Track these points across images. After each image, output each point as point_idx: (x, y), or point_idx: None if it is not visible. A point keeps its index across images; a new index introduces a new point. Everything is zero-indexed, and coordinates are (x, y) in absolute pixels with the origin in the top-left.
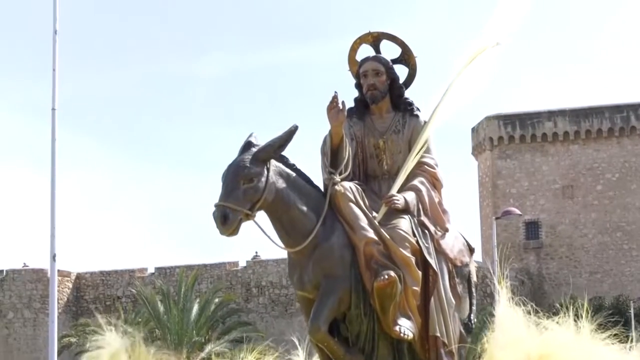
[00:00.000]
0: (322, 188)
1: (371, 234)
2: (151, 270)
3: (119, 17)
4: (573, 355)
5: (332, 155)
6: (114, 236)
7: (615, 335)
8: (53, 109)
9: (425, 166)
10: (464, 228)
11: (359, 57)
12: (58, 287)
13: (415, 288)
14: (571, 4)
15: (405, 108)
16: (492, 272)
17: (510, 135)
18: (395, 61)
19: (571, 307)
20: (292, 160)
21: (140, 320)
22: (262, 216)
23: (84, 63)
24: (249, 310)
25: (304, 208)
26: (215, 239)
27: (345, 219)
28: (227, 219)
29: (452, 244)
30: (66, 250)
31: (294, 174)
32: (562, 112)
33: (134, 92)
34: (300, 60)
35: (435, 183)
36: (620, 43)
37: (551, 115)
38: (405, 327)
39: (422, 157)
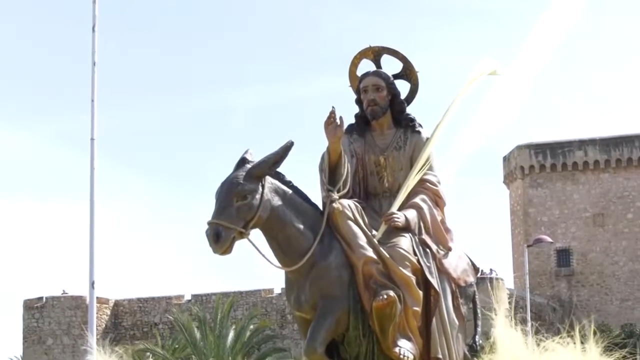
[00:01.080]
0: (320, 206)
1: (370, 252)
2: (188, 297)
3: (159, 51)
4: None
5: (330, 172)
6: (152, 264)
7: (624, 357)
8: (92, 139)
9: (428, 183)
10: (495, 255)
11: (360, 72)
12: (97, 313)
13: (415, 308)
14: (601, 34)
15: (406, 124)
16: (524, 298)
17: (542, 164)
18: (396, 76)
19: (591, 331)
20: (288, 178)
21: (177, 346)
22: (258, 235)
23: (123, 94)
24: (284, 337)
25: (301, 226)
26: (250, 266)
27: (344, 237)
28: (220, 237)
29: (455, 263)
30: (105, 277)
31: (290, 191)
32: (592, 141)
33: (173, 123)
34: (332, 90)
35: (437, 201)
36: None
37: (582, 144)
38: (405, 349)
39: (424, 174)
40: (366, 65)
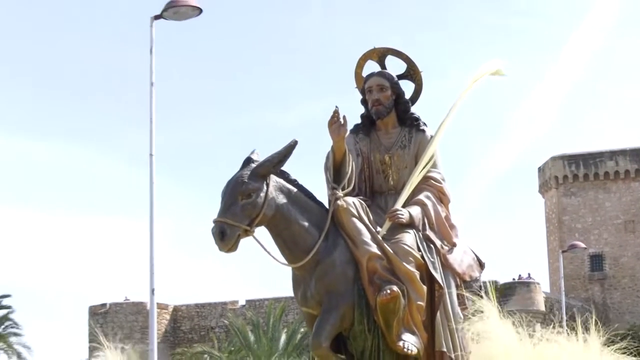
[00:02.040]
0: (326, 204)
1: (374, 248)
2: (242, 302)
3: (212, 73)
4: None
5: (334, 171)
6: (208, 271)
7: (627, 348)
8: (151, 155)
9: (432, 180)
10: (532, 261)
11: (365, 73)
12: (157, 318)
13: (420, 303)
14: (632, 48)
15: (411, 123)
16: (559, 301)
17: (575, 174)
18: (401, 77)
19: (592, 323)
20: (293, 176)
21: (232, 349)
22: (263, 232)
23: (179, 113)
24: None
25: (306, 224)
26: None
27: (348, 234)
28: (225, 235)
29: (460, 258)
30: (164, 284)
31: (295, 190)
32: (622, 152)
33: (225, 140)
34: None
35: (442, 198)
36: None
37: (613, 154)
38: (410, 343)
39: (428, 171)
40: (372, 67)
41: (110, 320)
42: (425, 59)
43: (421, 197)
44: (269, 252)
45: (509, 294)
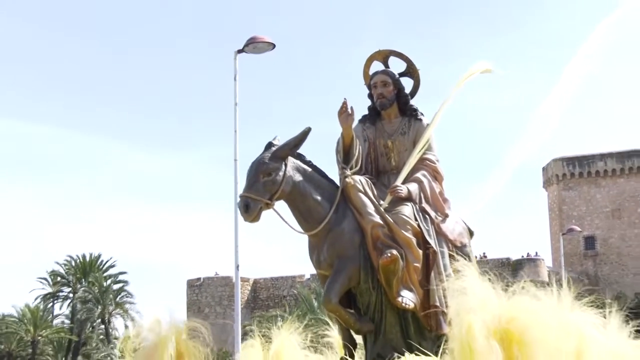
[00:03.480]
0: (337, 181)
1: (377, 218)
2: (307, 276)
3: (286, 96)
4: (539, 317)
5: (344, 153)
6: (281, 250)
7: (594, 302)
8: (235, 160)
9: (427, 161)
10: (538, 242)
11: (371, 72)
12: (240, 289)
13: (416, 264)
14: (619, 72)
15: (410, 113)
16: (559, 274)
17: (572, 173)
18: (402, 74)
19: (565, 283)
20: (308, 158)
21: (300, 313)
22: (283, 206)
23: (258, 126)
24: None
25: (319, 198)
26: None
27: (355, 206)
28: (249, 208)
29: (452, 227)
30: (246, 261)
31: (309, 169)
32: (610, 155)
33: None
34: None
35: (436, 176)
36: None
37: (602, 156)
38: (407, 298)
39: (424, 154)
40: (377, 66)
41: (204, 291)
42: None
43: (418, 175)
44: (287, 222)
45: (519, 268)
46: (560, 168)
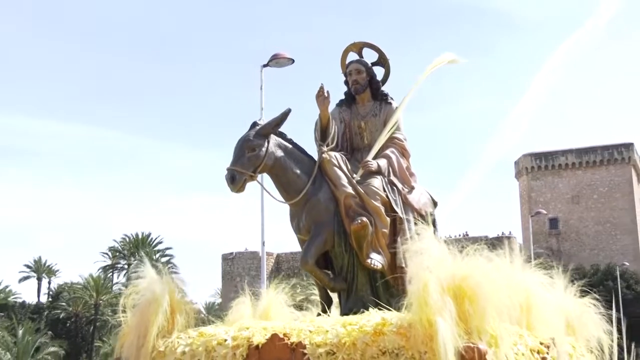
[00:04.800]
0: (315, 157)
1: (350, 189)
2: None
3: (306, 107)
4: (489, 275)
5: (321, 132)
6: None
7: (541, 264)
8: None
9: (396, 140)
10: (510, 223)
11: (348, 61)
12: (266, 262)
13: (384, 230)
14: (582, 81)
15: (381, 98)
16: (528, 249)
17: (539, 166)
18: (374, 64)
19: (517, 249)
20: (289, 136)
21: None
22: (266, 179)
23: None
24: None
25: (298, 171)
26: None
27: (330, 179)
28: (235, 179)
29: (417, 197)
30: (271, 238)
31: (290, 146)
32: (570, 151)
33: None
34: (426, 125)
35: (404, 152)
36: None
37: (564, 152)
38: (376, 260)
39: (393, 133)
40: (353, 57)
41: (236, 263)
42: None
43: (387, 152)
44: (269, 193)
45: (495, 244)
46: (529, 162)
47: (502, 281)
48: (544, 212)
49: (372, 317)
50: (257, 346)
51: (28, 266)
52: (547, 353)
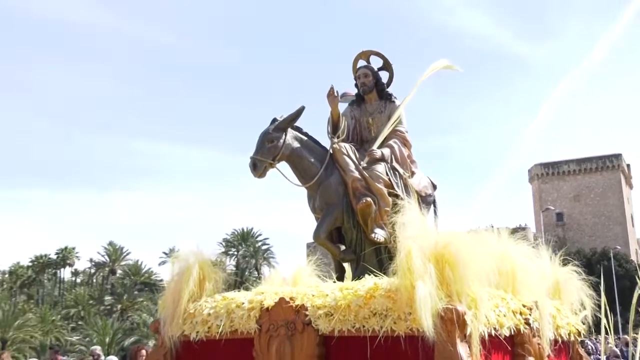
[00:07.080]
0: (328, 147)
1: (356, 174)
2: None
3: None
4: (469, 243)
5: (333, 126)
6: None
7: (529, 242)
8: None
9: (398, 132)
10: (526, 217)
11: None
12: None
13: (387, 209)
14: (587, 104)
15: (386, 97)
16: (541, 238)
17: (547, 172)
18: (380, 69)
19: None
20: (305, 130)
21: None
22: (285, 166)
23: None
24: None
25: (312, 159)
26: None
27: (340, 165)
28: (256, 167)
29: (418, 181)
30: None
31: (305, 138)
32: (571, 161)
33: None
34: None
35: (405, 143)
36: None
37: (566, 162)
38: (379, 234)
39: (396, 126)
40: (362, 63)
41: (317, 250)
42: None
43: (390, 142)
44: (288, 178)
45: (514, 233)
46: (539, 170)
47: (482, 249)
48: (552, 208)
49: (366, 283)
50: (267, 308)
51: (165, 253)
52: (530, 315)
